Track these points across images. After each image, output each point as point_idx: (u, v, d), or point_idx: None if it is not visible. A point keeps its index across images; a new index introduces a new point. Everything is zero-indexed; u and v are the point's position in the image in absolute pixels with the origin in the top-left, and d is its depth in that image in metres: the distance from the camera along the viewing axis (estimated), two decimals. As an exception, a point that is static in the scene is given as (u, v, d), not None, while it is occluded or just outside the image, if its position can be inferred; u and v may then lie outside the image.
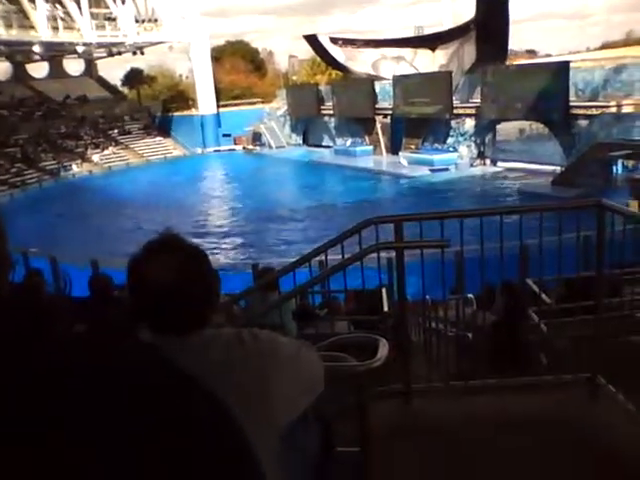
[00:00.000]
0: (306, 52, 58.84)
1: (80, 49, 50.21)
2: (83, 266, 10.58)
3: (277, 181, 37.82)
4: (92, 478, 0.70)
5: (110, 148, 49.78)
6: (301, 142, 50.75)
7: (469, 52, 36.35)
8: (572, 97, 27.93)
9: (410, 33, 47.78)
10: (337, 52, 46.50)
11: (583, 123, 27.33)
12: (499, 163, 33.51)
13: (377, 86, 41.05)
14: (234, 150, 53.42)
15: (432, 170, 33.09)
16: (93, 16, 48.81)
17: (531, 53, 76.22)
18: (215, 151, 53.52)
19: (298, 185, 36.88)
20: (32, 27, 45.24)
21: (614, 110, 26.26)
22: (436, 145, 36.31)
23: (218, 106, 56.21)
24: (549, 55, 65.95)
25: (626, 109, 26.12)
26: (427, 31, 46.04)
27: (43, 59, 54.16)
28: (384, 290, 5.91)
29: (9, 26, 43.73)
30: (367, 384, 2.60)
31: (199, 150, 53.79)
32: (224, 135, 54.81)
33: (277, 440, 1.27)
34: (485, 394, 3.64)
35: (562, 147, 28.50)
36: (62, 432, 0.69)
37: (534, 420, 3.24)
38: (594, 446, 3.00)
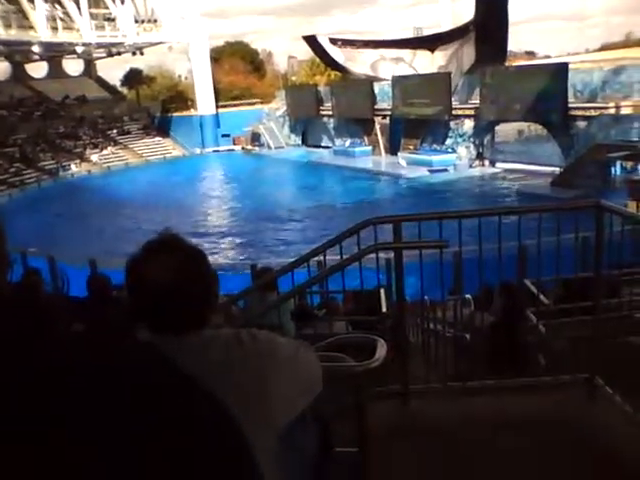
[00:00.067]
0: (305, 53, 58.97)
1: (79, 49, 50.22)
2: (81, 266, 10.58)
3: (276, 181, 37.82)
4: (94, 476, 0.70)
5: (109, 148, 49.76)
6: (300, 143, 50.77)
7: (468, 53, 36.37)
8: (571, 98, 27.99)
9: (409, 34, 47.83)
10: (336, 53, 46.51)
11: (582, 124, 27.38)
12: (498, 164, 33.56)
13: (376, 87, 41.11)
14: (233, 150, 53.43)
15: (431, 171, 33.13)
16: (92, 16, 48.80)
17: (530, 54, 76.26)
18: (214, 151, 53.52)
19: (297, 185, 36.88)
20: (31, 27, 45.23)
21: (613, 111, 26.33)
22: (435, 146, 36.34)
23: (217, 106, 56.24)
24: (548, 56, 65.95)
25: (625, 110, 26.19)
26: (426, 32, 46.15)
27: (42, 59, 54.15)
28: (382, 291, 5.90)
29: (8, 26, 43.72)
30: (365, 384, 2.60)
31: (198, 150, 53.78)
32: (223, 135, 54.83)
33: (275, 440, 1.27)
34: (483, 395, 3.64)
35: (561, 148, 28.54)
36: (64, 430, 0.69)
37: (532, 421, 3.24)
38: (592, 447, 3.00)
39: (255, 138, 52.67)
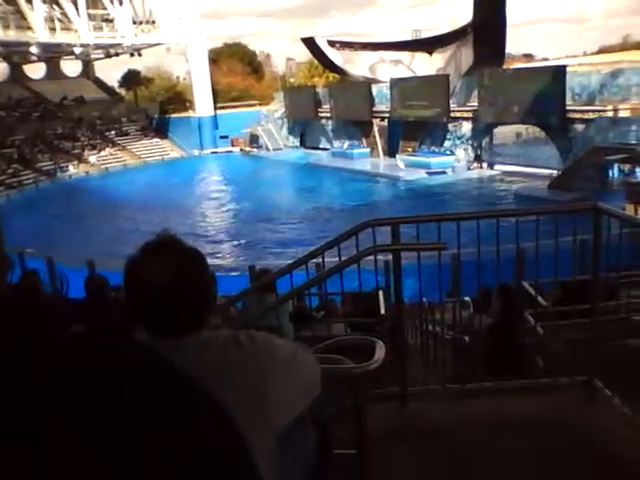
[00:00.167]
0: (304, 55, 58.99)
1: (77, 50, 50.14)
2: (79, 267, 10.57)
3: (274, 183, 37.82)
4: (92, 478, 0.70)
5: (107, 149, 49.70)
6: (298, 144, 50.79)
7: (466, 55, 36.42)
8: (569, 101, 28.04)
9: (408, 37, 47.88)
10: (335, 55, 46.54)
11: (580, 127, 27.43)
12: (496, 166, 33.59)
13: (374, 89, 41.13)
14: (231, 152, 53.41)
15: (429, 173, 33.15)
16: (90, 17, 48.76)
17: (528, 57, 76.50)
18: (212, 153, 53.50)
19: (295, 187, 36.89)
20: (29, 28, 45.19)
21: (611, 114, 26.38)
22: (433, 148, 36.37)
23: (215, 108, 56.23)
24: (546, 59, 66.20)
25: (623, 113, 26.25)
26: (424, 35, 46.17)
27: (40, 60, 54.08)
28: (381, 292, 5.91)
29: (6, 27, 43.67)
30: (364, 386, 2.60)
31: (196, 152, 53.74)
32: (221, 137, 54.81)
33: (274, 442, 1.27)
34: (482, 397, 3.64)
35: (559, 151, 28.59)
36: (62, 432, 0.69)
37: (530, 423, 3.24)
38: (591, 449, 3.00)
39: (253, 140, 52.67)
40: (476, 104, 32.86)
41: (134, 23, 51.66)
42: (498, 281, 4.78)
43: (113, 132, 52.32)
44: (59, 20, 47.13)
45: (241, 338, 1.32)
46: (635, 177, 23.92)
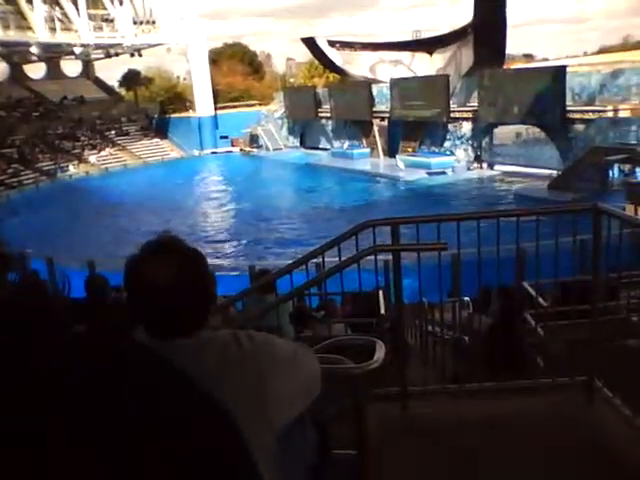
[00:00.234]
0: (304, 55, 59.04)
1: (77, 50, 50.15)
2: (79, 267, 10.57)
3: (274, 183, 37.81)
4: (92, 478, 0.70)
5: (107, 149, 49.69)
6: (298, 144, 50.77)
7: (466, 56, 36.41)
8: (569, 101, 28.03)
9: (408, 37, 47.86)
10: (335, 55, 46.52)
11: (580, 127, 27.44)
12: (496, 167, 33.58)
13: (374, 89, 41.09)
14: (231, 152, 53.40)
15: (429, 173, 33.15)
16: (91, 17, 48.78)
17: (528, 57, 76.56)
18: (212, 153, 53.50)
19: (295, 187, 36.89)
20: (29, 28, 45.19)
21: (611, 114, 26.38)
22: (433, 148, 36.38)
23: (215, 108, 56.22)
24: (546, 59, 66.23)
25: (623, 113, 26.25)
26: (425, 35, 46.16)
27: (40, 60, 54.06)
28: (381, 292, 5.91)
29: (6, 27, 43.70)
30: (364, 386, 2.60)
31: (196, 152, 53.74)
32: (221, 137, 54.80)
33: (274, 441, 1.27)
34: (481, 397, 3.64)
35: (559, 151, 28.59)
36: (62, 432, 0.69)
37: (530, 423, 3.24)
38: (591, 449, 3.00)
39: (253, 140, 52.66)
40: (476, 104, 32.85)
41: (134, 23, 51.66)
42: (498, 281, 4.78)
43: (113, 132, 52.31)
44: (59, 20, 47.14)
45: (241, 338, 1.33)
46: (635, 177, 23.91)
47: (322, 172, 39.66)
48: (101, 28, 49.70)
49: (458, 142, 35.22)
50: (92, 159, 47.59)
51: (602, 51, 66.66)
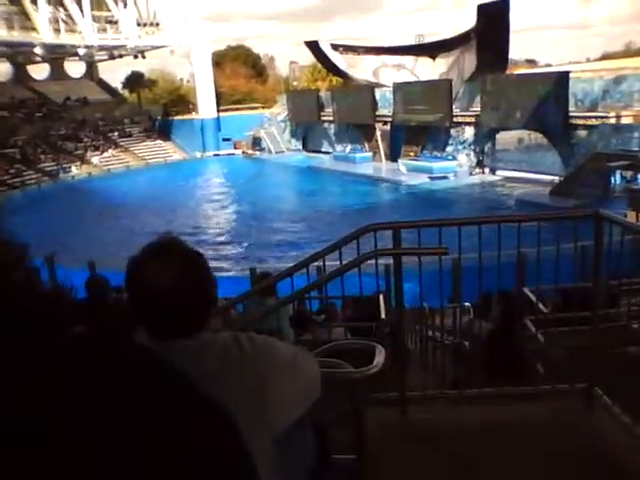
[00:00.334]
0: (307, 58, 59.02)
1: (81, 51, 50.29)
2: (80, 267, 10.57)
3: (276, 186, 37.87)
4: (92, 478, 0.70)
5: (110, 151, 49.79)
6: (301, 148, 50.83)
7: (469, 61, 36.46)
8: (571, 107, 28.03)
9: (411, 41, 47.94)
10: (338, 59, 46.63)
11: (582, 133, 27.43)
12: (498, 172, 33.58)
13: (377, 93, 41.16)
14: (234, 155, 53.50)
15: (431, 178, 33.15)
16: (95, 19, 48.95)
17: (531, 63, 76.50)
18: (215, 155, 53.61)
19: (297, 191, 36.93)
20: (34, 29, 45.34)
21: (613, 121, 26.38)
22: (435, 153, 36.40)
23: (218, 110, 56.35)
24: (549, 65, 66.17)
25: (625, 120, 26.24)
26: (428, 39, 46.22)
27: (44, 61, 54.24)
28: (381, 297, 5.91)
29: (11, 27, 43.84)
30: (363, 391, 2.60)
31: (199, 154, 53.85)
32: (224, 139, 54.91)
33: (273, 445, 1.27)
34: (481, 403, 3.64)
35: (561, 157, 28.59)
36: (62, 432, 0.69)
37: (530, 430, 3.24)
38: (591, 456, 2.99)
39: (256, 142, 52.75)
40: (479, 109, 32.86)
41: (138, 25, 51.84)
42: (499, 287, 4.78)
43: (116, 133, 52.44)
44: (63, 21, 47.29)
45: (241, 340, 1.33)
46: (637, 184, 23.88)
47: (324, 175, 39.70)
48: (105, 30, 49.88)
49: (460, 147, 35.24)
50: (94, 160, 47.68)
51: (605, 57, 66.65)
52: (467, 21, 38.54)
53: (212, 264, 1.41)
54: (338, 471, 2.42)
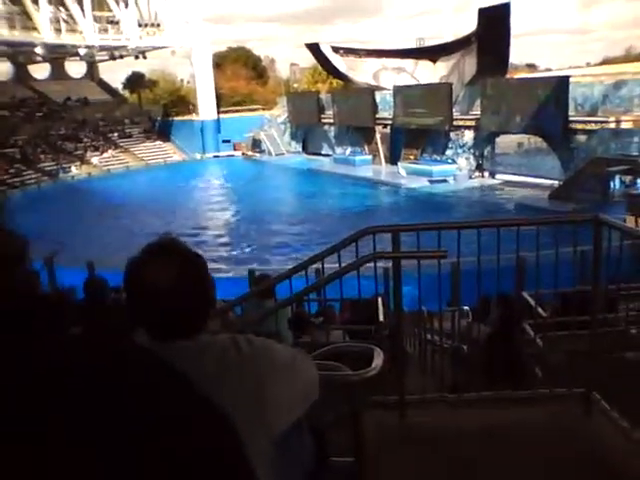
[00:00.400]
0: (308, 60, 59.12)
1: (82, 51, 50.30)
2: (79, 268, 10.55)
3: (276, 188, 37.88)
4: (92, 477, 0.70)
5: (110, 151, 49.79)
6: (301, 150, 50.85)
7: (470, 64, 36.51)
8: (571, 112, 28.06)
9: (412, 44, 48.01)
10: (338, 61, 46.68)
11: (582, 138, 27.46)
12: (497, 176, 33.58)
13: (377, 96, 41.17)
14: (233, 156, 53.52)
15: (431, 181, 33.16)
16: (96, 19, 48.96)
17: (531, 67, 76.60)
18: (214, 157, 53.62)
19: (297, 193, 36.94)
20: (35, 29, 45.34)
21: (613, 125, 26.40)
22: (435, 156, 36.41)
23: (219, 112, 56.35)
24: (549, 69, 66.26)
25: (625, 125, 26.27)
26: (428, 43, 46.29)
27: (45, 60, 54.25)
28: (380, 300, 5.90)
29: (12, 27, 43.83)
30: (361, 394, 2.60)
31: (198, 155, 53.86)
32: (224, 141, 54.92)
33: (271, 446, 1.27)
34: (480, 406, 3.63)
35: (560, 161, 28.61)
36: (62, 431, 0.69)
37: (529, 434, 3.23)
38: (589, 461, 2.99)
39: (256, 144, 52.76)
40: (479, 113, 32.89)
41: (139, 26, 51.87)
42: (498, 290, 4.78)
43: (116, 134, 52.44)
44: (65, 21, 47.30)
45: (240, 342, 1.33)
46: (636, 189, 23.90)
47: (324, 178, 39.71)
48: (106, 30, 49.89)
49: (460, 150, 35.25)
50: (94, 160, 47.69)
51: (605, 62, 66.71)
52: (468, 25, 38.62)
53: (211, 265, 1.41)
54: (336, 474, 2.41)
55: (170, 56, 56.88)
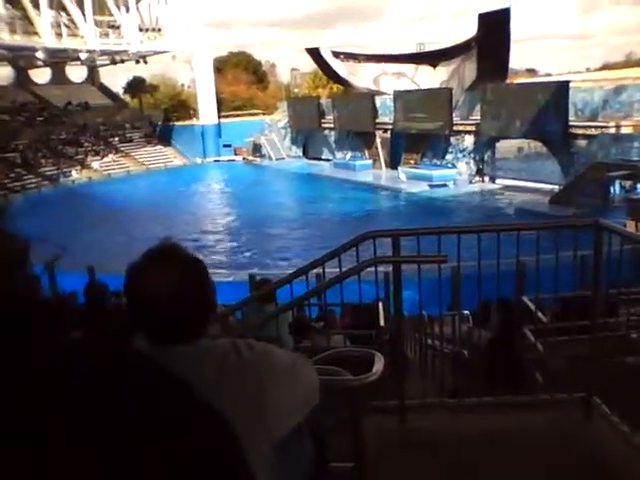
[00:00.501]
0: (308, 65, 59.27)
1: (83, 56, 50.38)
2: (80, 272, 10.55)
3: (276, 193, 37.90)
4: (92, 478, 0.70)
5: (110, 155, 49.84)
6: (301, 155, 50.89)
7: (470, 69, 36.59)
8: (571, 117, 28.10)
9: (412, 49, 48.11)
10: (339, 66, 46.77)
11: (582, 143, 27.50)
12: (497, 180, 33.63)
13: (378, 101, 41.25)
14: (234, 161, 53.54)
15: (431, 186, 33.18)
16: (97, 24, 49.06)
17: (531, 72, 76.81)
18: (215, 161, 53.65)
19: (297, 197, 36.96)
20: (36, 33, 45.45)
21: (613, 130, 26.44)
22: (435, 161, 36.47)
23: (219, 116, 56.43)
24: (549, 75, 66.40)
25: (625, 130, 26.31)
26: (429, 48, 46.38)
27: (46, 65, 54.36)
28: (380, 304, 5.90)
29: (13, 31, 43.92)
30: (362, 399, 2.59)
31: (199, 160, 53.90)
32: (224, 145, 54.97)
33: (271, 451, 1.27)
34: (480, 412, 3.63)
35: (560, 166, 28.64)
36: (62, 432, 0.69)
37: (529, 439, 3.23)
38: (589, 466, 2.99)
39: (256, 149, 52.81)
40: (479, 118, 32.94)
41: (140, 30, 51.96)
42: (498, 295, 4.78)
43: (117, 138, 52.50)
44: (66, 26, 47.40)
45: (240, 347, 1.33)
46: (636, 194, 23.91)
47: (324, 183, 39.74)
48: (107, 34, 49.99)
49: (460, 155, 35.31)
50: (95, 165, 47.72)
51: (605, 67, 66.90)
52: (468, 30, 38.74)
53: (211, 270, 1.40)
54: (336, 479, 2.41)
55: (171, 61, 57.09)
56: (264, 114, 58.15)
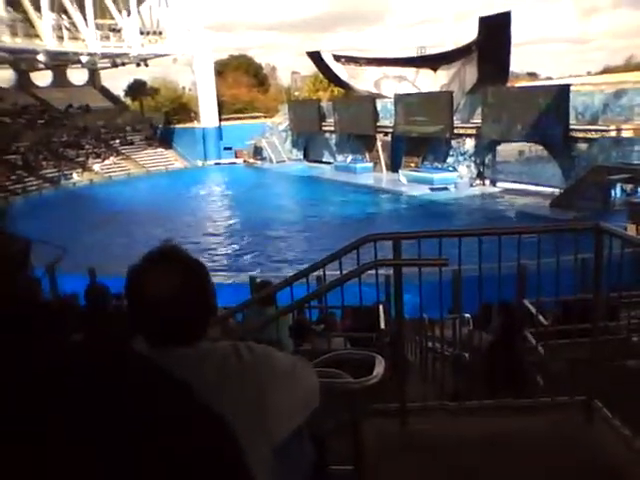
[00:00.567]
0: (309, 68, 59.33)
1: (84, 59, 50.46)
2: (81, 274, 10.56)
3: (277, 196, 37.92)
4: (92, 476, 0.70)
5: (111, 158, 49.87)
6: (302, 157, 50.95)
7: (470, 73, 36.64)
8: (572, 120, 28.11)
9: (413, 53, 48.18)
10: (340, 69, 46.83)
11: (583, 146, 27.50)
12: (498, 184, 33.62)
13: (378, 104, 41.30)
14: (235, 163, 53.60)
15: (431, 189, 33.20)
16: (98, 27, 49.16)
17: (532, 76, 76.73)
18: (216, 164, 53.69)
19: (298, 200, 36.97)
20: (37, 36, 45.53)
21: (613, 134, 26.45)
22: (436, 164, 36.48)
23: (220, 119, 56.48)
24: (550, 78, 66.40)
25: (625, 133, 26.31)
26: (429, 51, 46.44)
27: (47, 68, 54.43)
28: (381, 307, 5.90)
29: (14, 34, 44.01)
30: (362, 401, 2.59)
31: (200, 163, 53.94)
32: (225, 148, 55.02)
33: (271, 454, 1.27)
34: (481, 415, 3.62)
35: (561, 169, 28.65)
36: (62, 431, 0.69)
37: (530, 442, 3.22)
38: (590, 470, 2.98)
39: (257, 152, 52.88)
40: (479, 121, 32.97)
41: (141, 33, 52.07)
42: (499, 298, 4.77)
43: (118, 141, 52.54)
44: (67, 29, 47.50)
45: (240, 350, 1.32)
46: (637, 197, 23.90)
47: (325, 185, 39.78)
48: (108, 37, 50.07)
49: (461, 158, 35.33)
50: (96, 167, 47.77)
51: (606, 71, 66.86)
52: (469, 33, 38.76)
53: (212, 272, 1.40)
54: (336, 482, 2.41)
55: (172, 64, 57.14)
56: (265, 117, 58.22)
